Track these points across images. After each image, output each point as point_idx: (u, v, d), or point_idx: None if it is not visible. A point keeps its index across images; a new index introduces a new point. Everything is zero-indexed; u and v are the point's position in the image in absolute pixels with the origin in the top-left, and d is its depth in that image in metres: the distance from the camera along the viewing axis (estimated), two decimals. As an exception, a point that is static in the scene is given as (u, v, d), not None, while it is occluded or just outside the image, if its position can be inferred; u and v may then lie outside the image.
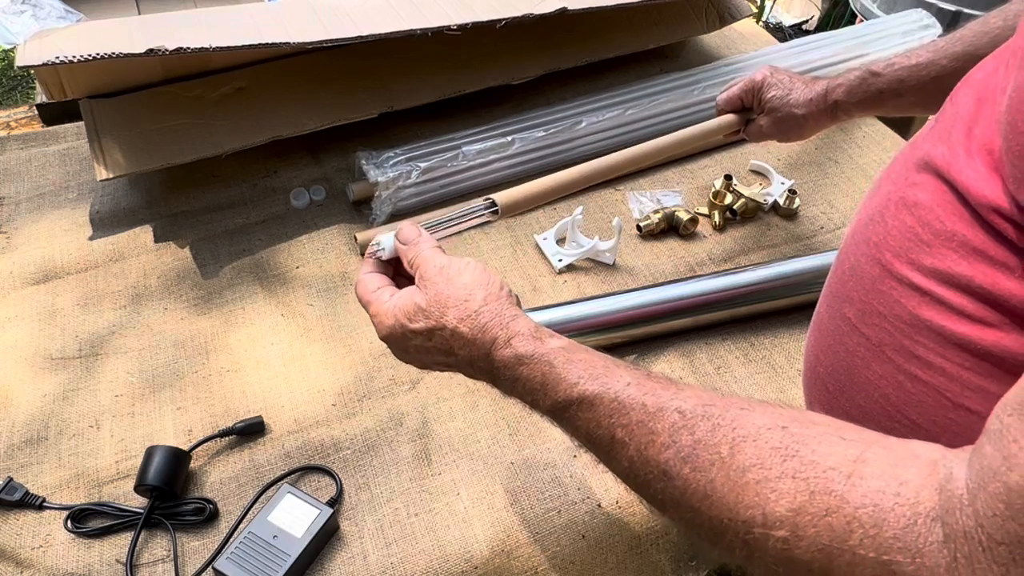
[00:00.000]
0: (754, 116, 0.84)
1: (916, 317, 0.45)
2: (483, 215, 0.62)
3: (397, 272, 0.55)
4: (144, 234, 0.95)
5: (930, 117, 0.52)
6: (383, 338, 0.52)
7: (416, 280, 0.51)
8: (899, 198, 0.48)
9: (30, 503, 0.67)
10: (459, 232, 0.60)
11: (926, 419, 0.46)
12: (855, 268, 0.51)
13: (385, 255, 0.54)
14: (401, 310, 0.50)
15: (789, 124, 0.81)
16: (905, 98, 0.75)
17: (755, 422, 0.37)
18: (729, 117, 0.84)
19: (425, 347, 0.50)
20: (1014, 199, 0.38)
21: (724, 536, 0.36)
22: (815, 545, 0.32)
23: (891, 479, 0.32)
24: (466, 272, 0.50)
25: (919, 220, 0.45)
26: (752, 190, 0.98)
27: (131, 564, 0.64)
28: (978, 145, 0.42)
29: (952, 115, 0.46)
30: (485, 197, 0.63)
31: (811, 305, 0.83)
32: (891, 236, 0.47)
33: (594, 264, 0.91)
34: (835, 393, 0.54)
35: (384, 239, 0.54)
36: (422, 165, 0.95)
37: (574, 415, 0.44)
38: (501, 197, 0.63)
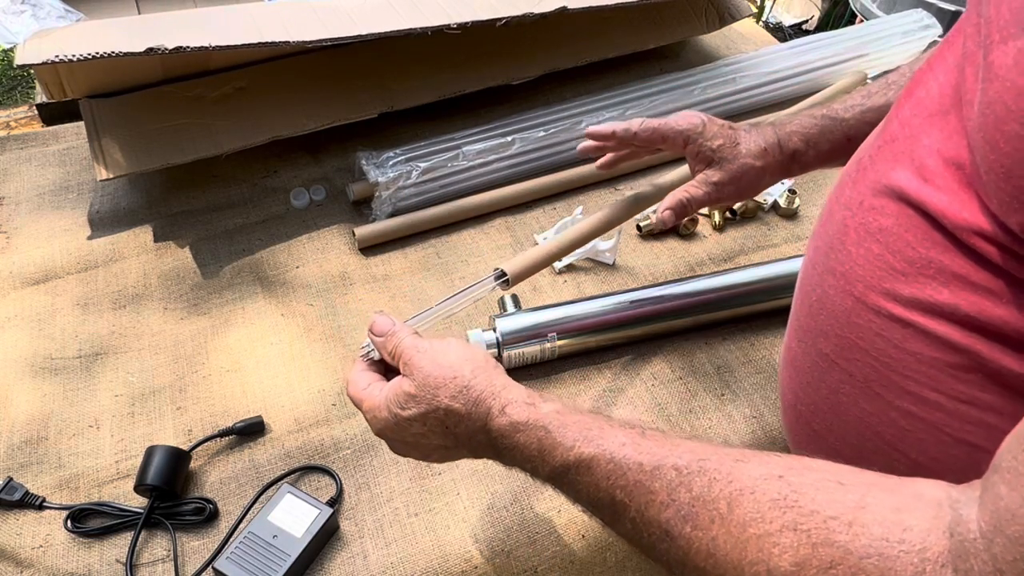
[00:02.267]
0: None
1: (901, 350, 0.43)
2: (493, 287, 0.61)
3: (389, 370, 0.55)
4: (144, 234, 0.95)
5: (872, 134, 0.50)
6: (379, 433, 0.52)
7: (401, 368, 0.51)
8: (859, 224, 0.46)
9: (30, 503, 0.67)
10: (463, 307, 0.60)
11: (927, 457, 0.44)
12: (823, 301, 0.49)
13: (377, 355, 0.54)
14: (393, 401, 0.49)
15: (748, 178, 0.67)
16: None
17: (751, 473, 0.36)
18: (684, 169, 0.73)
19: (423, 433, 0.49)
20: (997, 220, 0.37)
21: None
22: None
23: (894, 525, 0.31)
24: (450, 351, 0.50)
25: (887, 248, 0.43)
26: (752, 190, 0.98)
27: (131, 564, 0.64)
28: (944, 163, 0.40)
29: (905, 135, 0.44)
30: (495, 268, 0.63)
31: (811, 305, 0.84)
32: (859, 266, 0.45)
33: (594, 264, 0.91)
34: (822, 433, 0.52)
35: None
36: (422, 165, 0.95)
37: (573, 479, 0.43)
38: (511, 267, 0.63)
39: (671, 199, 0.68)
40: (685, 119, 0.69)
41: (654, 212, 0.93)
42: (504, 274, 0.62)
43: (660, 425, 0.75)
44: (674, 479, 0.38)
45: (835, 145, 0.66)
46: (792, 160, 0.68)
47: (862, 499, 0.32)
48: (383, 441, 0.54)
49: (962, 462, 0.43)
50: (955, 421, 0.42)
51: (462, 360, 0.49)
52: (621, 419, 0.45)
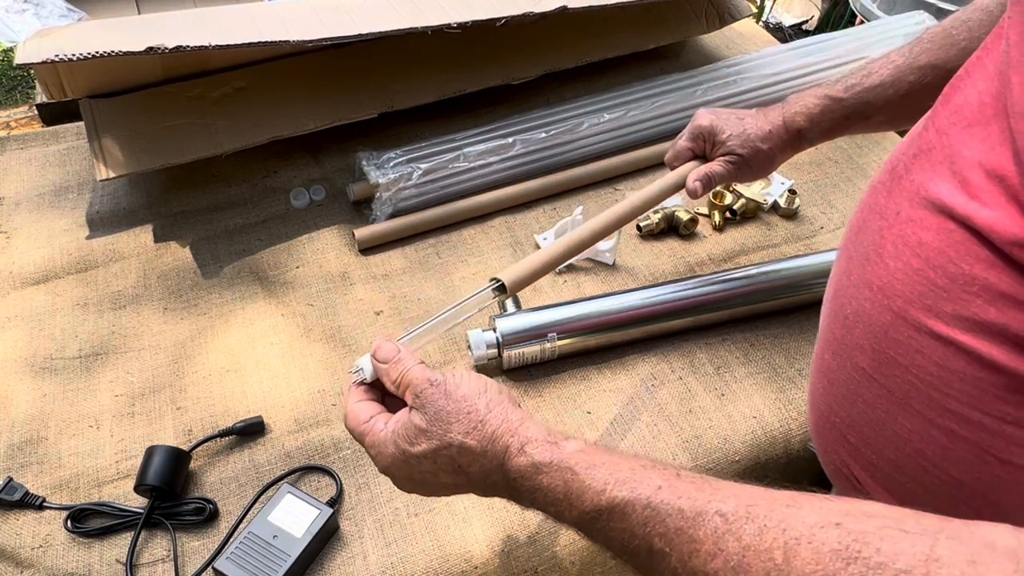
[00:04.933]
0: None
1: (943, 368, 0.42)
2: (489, 298, 0.59)
3: (385, 393, 0.52)
4: (144, 234, 0.95)
5: (906, 140, 0.49)
6: (384, 469, 0.49)
7: (410, 401, 0.48)
8: (896, 237, 0.45)
9: (30, 503, 0.67)
10: (459, 321, 0.57)
11: (969, 476, 0.43)
12: (860, 314, 0.48)
13: (368, 377, 0.51)
14: (401, 436, 0.47)
15: (757, 160, 0.74)
16: (873, 120, 0.71)
17: (805, 520, 0.33)
18: (693, 163, 0.77)
19: (432, 471, 0.47)
20: None
21: None
22: None
23: None
24: (463, 383, 0.47)
25: (928, 263, 0.42)
26: (752, 190, 0.98)
27: (131, 564, 0.64)
28: (987, 175, 0.39)
29: (942, 145, 0.43)
30: (491, 278, 0.61)
31: (811, 305, 0.84)
32: (897, 280, 0.44)
33: (594, 264, 0.91)
34: (858, 445, 0.51)
35: (363, 362, 0.51)
36: (423, 166, 0.95)
37: (605, 526, 0.40)
38: (508, 276, 0.61)
39: (697, 173, 0.75)
40: (694, 126, 0.77)
41: (655, 212, 0.95)
42: (502, 286, 0.61)
43: (660, 425, 0.75)
44: (720, 526, 0.35)
45: (835, 123, 0.72)
46: (799, 138, 0.74)
47: (932, 550, 0.30)
48: (387, 478, 0.51)
49: (1006, 483, 0.42)
50: (999, 442, 0.41)
51: (475, 393, 0.46)
52: (651, 459, 0.42)
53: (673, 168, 0.78)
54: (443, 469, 0.46)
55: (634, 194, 0.74)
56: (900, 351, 0.44)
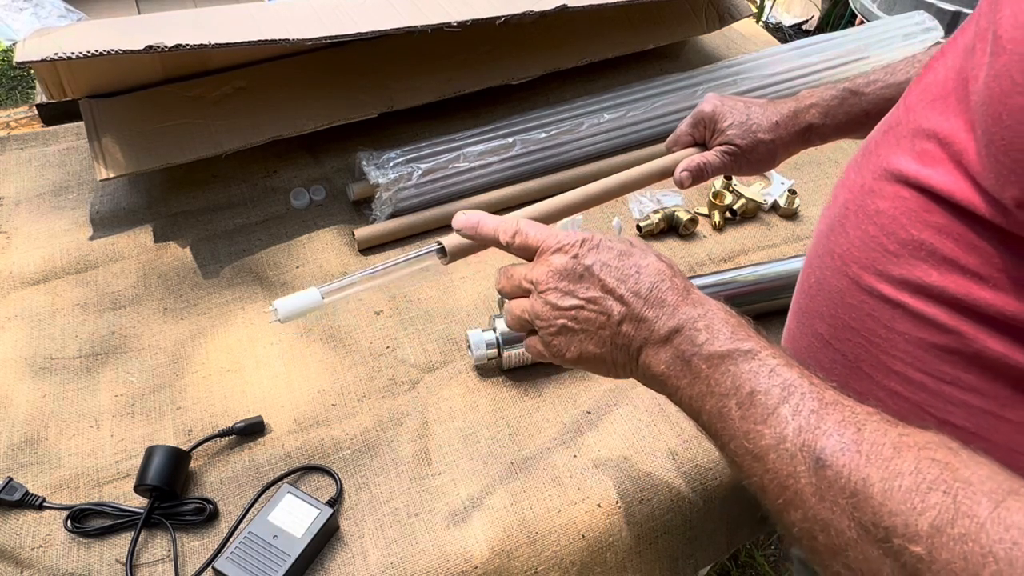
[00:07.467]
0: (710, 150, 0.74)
1: (890, 330, 0.44)
2: (432, 258, 0.58)
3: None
4: (144, 234, 0.95)
5: (883, 119, 0.51)
6: (555, 272, 0.47)
7: (588, 244, 0.47)
8: (858, 207, 0.46)
9: (30, 503, 0.67)
10: (405, 273, 0.57)
11: None
12: (821, 282, 0.49)
13: (282, 319, 0.52)
14: (605, 244, 0.47)
15: (758, 153, 0.71)
16: None
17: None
18: (690, 151, 0.74)
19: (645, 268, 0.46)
20: (990, 198, 0.37)
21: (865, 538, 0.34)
22: (948, 571, 0.30)
23: None
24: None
25: (882, 229, 0.44)
26: (752, 190, 0.98)
27: (131, 564, 0.64)
28: (939, 144, 0.40)
29: (908, 120, 0.45)
30: (436, 240, 0.58)
31: (811, 305, 0.84)
32: (854, 247, 0.46)
33: (594, 264, 0.91)
34: None
35: (278, 303, 0.52)
36: (423, 166, 0.95)
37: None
38: (449, 241, 0.60)
39: (688, 162, 0.71)
40: (697, 111, 0.74)
41: (654, 212, 0.95)
42: (443, 248, 0.58)
43: (660, 425, 0.75)
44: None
45: (852, 117, 0.69)
46: (809, 131, 0.71)
47: (1020, 488, 0.31)
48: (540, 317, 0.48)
49: None
50: (938, 401, 0.43)
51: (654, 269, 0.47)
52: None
53: (670, 153, 0.75)
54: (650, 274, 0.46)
55: (618, 174, 0.71)
56: (853, 316, 0.46)
